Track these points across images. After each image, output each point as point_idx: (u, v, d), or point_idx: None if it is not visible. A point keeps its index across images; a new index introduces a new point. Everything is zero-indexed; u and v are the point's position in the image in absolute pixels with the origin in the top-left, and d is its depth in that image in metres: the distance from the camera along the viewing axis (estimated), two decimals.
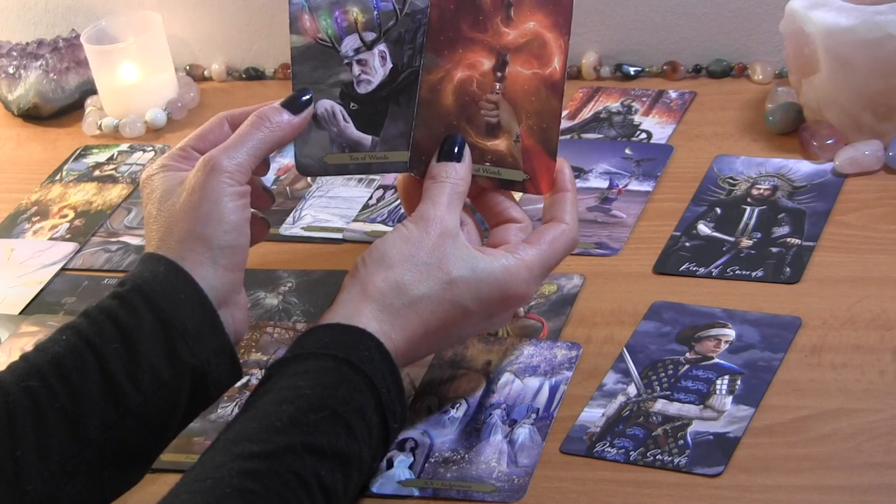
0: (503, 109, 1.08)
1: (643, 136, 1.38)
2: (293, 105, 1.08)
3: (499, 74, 1.08)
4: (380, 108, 1.10)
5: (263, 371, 1.14)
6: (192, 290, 1.00)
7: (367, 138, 1.10)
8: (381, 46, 1.10)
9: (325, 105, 1.10)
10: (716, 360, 1.08)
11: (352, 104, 1.10)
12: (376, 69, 1.10)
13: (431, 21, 1.08)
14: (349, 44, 1.10)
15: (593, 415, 1.05)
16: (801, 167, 1.28)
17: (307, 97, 1.08)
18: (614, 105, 1.44)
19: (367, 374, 0.97)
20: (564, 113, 1.38)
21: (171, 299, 0.99)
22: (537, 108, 1.07)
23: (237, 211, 1.03)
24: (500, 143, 1.08)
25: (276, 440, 0.92)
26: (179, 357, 0.98)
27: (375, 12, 1.10)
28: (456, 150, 1.07)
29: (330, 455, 0.93)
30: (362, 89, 1.10)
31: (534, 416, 1.06)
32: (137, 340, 0.98)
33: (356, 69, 1.10)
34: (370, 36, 1.10)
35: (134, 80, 1.55)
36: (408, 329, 1.01)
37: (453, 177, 1.06)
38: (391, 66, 1.10)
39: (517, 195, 1.11)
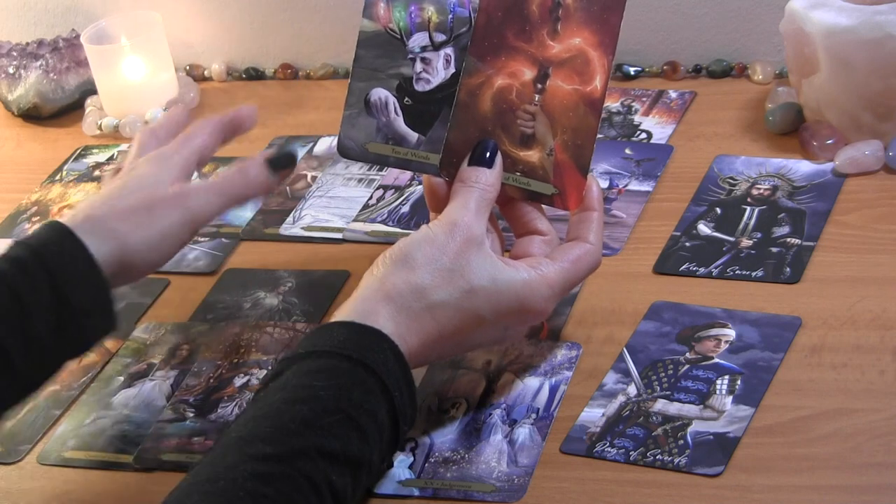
0: (540, 121, 1.07)
1: (643, 136, 1.38)
2: (277, 164, 1.14)
3: (539, 86, 1.07)
4: (432, 109, 1.10)
5: (273, 363, 1.15)
6: (88, 265, 1.05)
7: (413, 135, 1.10)
8: (448, 50, 1.10)
9: (380, 94, 1.10)
10: (716, 360, 1.08)
11: (406, 99, 1.10)
12: (438, 70, 1.10)
13: (477, 26, 1.08)
14: (417, 40, 1.10)
15: (593, 415, 1.05)
16: (801, 167, 1.28)
17: (293, 157, 1.15)
18: (614, 105, 1.44)
19: (382, 378, 0.97)
20: None
21: (70, 274, 1.04)
22: (574, 124, 1.07)
23: (172, 240, 1.11)
24: (532, 155, 1.08)
25: (290, 442, 0.92)
26: (66, 331, 1.04)
27: (450, 16, 1.10)
28: (488, 155, 1.07)
29: (342, 460, 0.93)
30: (420, 87, 1.10)
31: (534, 416, 1.06)
32: (33, 316, 1.03)
33: (418, 66, 1.10)
34: (440, 37, 1.10)
35: (134, 80, 1.56)
36: (423, 333, 1.01)
37: (483, 182, 1.05)
38: (453, 71, 1.10)
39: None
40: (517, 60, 1.08)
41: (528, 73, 1.08)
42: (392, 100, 1.11)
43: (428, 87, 1.11)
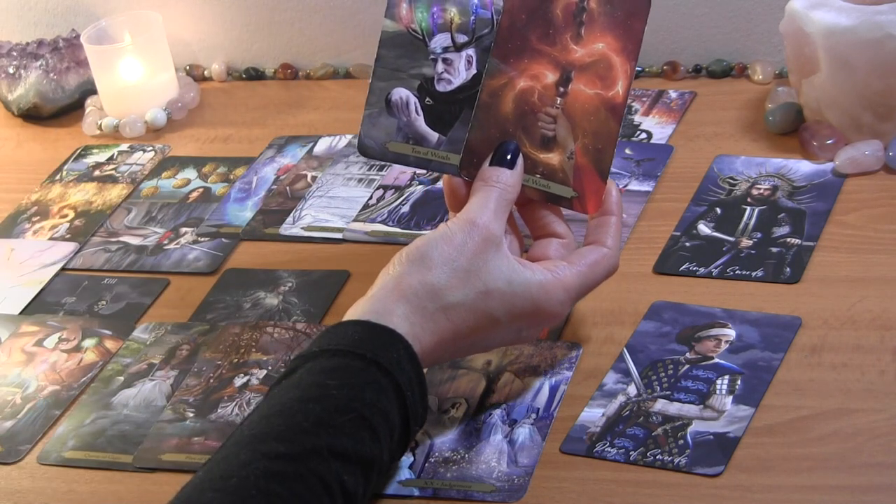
0: (560, 124, 1.07)
1: (643, 136, 1.38)
2: None
3: (561, 89, 1.07)
4: (453, 109, 1.10)
5: (274, 362, 1.15)
6: None
7: (433, 135, 1.10)
8: (470, 51, 1.10)
9: (401, 94, 1.10)
10: (716, 360, 1.08)
11: (427, 99, 1.10)
12: (460, 71, 1.10)
13: (501, 28, 1.08)
14: (439, 41, 1.11)
15: (593, 415, 1.05)
16: (801, 167, 1.28)
17: None
18: None
19: (395, 378, 0.96)
20: None
21: None
22: (595, 128, 1.07)
23: None
24: (552, 157, 1.08)
25: (303, 442, 0.92)
26: None
27: (473, 17, 1.10)
28: (509, 156, 1.07)
29: (354, 460, 0.93)
30: (441, 87, 1.10)
31: (534, 416, 1.06)
32: None
33: (440, 67, 1.10)
34: (462, 38, 1.10)
35: (134, 80, 1.56)
36: (437, 333, 1.01)
37: (503, 182, 1.05)
38: (475, 72, 1.10)
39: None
40: (540, 63, 1.08)
41: (551, 77, 1.08)
42: (413, 100, 1.11)
43: (449, 88, 1.11)
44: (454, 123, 1.10)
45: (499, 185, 1.05)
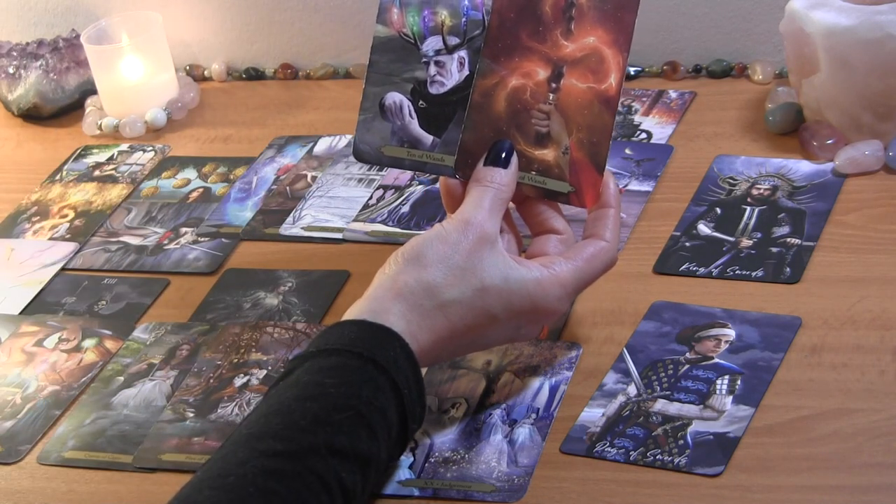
0: (554, 120, 1.07)
1: (643, 136, 1.38)
2: None
3: (553, 85, 1.07)
4: (447, 111, 1.10)
5: (274, 362, 1.15)
6: None
7: (428, 138, 1.10)
8: (462, 53, 1.10)
9: (395, 98, 1.10)
10: (716, 360, 1.08)
11: (420, 102, 1.11)
12: (452, 73, 1.10)
13: (491, 27, 1.08)
14: (431, 44, 1.11)
15: (593, 415, 1.05)
16: (801, 167, 1.28)
17: None
18: None
19: (392, 376, 0.97)
20: None
21: None
22: (589, 122, 1.07)
23: None
24: (548, 153, 1.08)
25: (300, 440, 0.92)
26: None
27: (464, 19, 1.10)
28: (503, 155, 1.07)
29: (352, 457, 0.93)
30: (434, 90, 1.11)
31: (534, 416, 1.06)
32: None
33: (432, 69, 1.11)
34: (453, 40, 1.10)
35: (134, 80, 1.56)
36: (435, 331, 1.01)
37: (498, 181, 1.06)
38: (467, 73, 1.10)
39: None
40: (531, 60, 1.08)
41: (542, 73, 1.08)
42: (406, 103, 1.11)
43: (442, 90, 1.11)
44: (448, 125, 1.10)
45: (493, 185, 1.05)
